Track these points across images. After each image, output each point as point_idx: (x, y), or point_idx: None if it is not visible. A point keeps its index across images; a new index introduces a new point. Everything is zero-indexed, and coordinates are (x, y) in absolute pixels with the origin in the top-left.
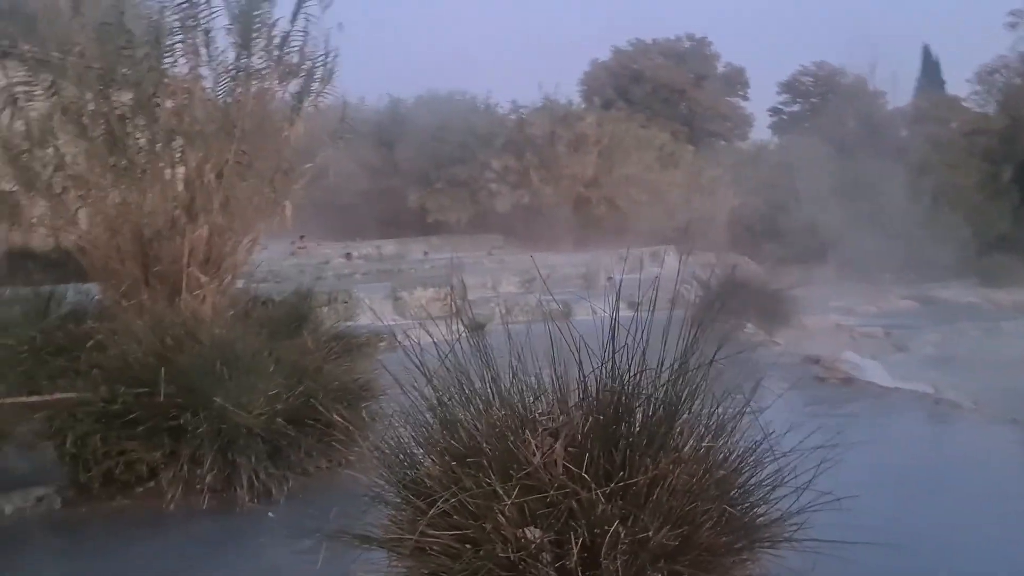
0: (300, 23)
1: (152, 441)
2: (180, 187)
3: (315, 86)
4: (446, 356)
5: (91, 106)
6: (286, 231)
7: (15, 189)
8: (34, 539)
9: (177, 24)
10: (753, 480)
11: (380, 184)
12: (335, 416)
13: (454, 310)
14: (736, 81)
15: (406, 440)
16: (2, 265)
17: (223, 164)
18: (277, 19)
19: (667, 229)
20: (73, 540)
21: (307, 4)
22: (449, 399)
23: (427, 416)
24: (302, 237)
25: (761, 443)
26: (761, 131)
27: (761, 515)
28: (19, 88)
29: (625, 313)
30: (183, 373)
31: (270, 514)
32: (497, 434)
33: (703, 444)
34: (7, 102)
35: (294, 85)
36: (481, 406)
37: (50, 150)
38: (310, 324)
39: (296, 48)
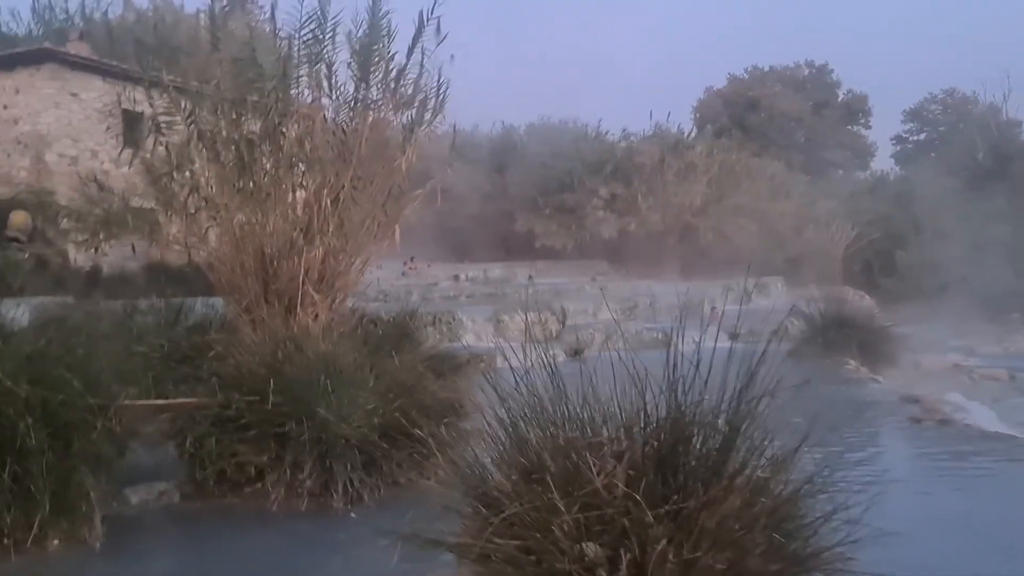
0: (415, 56)
1: (260, 445)
2: (300, 210)
3: (427, 116)
4: (521, 380)
5: (224, 133)
6: (399, 253)
7: (155, 208)
8: (155, 529)
9: (303, 59)
10: (805, 511)
11: (490, 209)
12: (423, 431)
13: (553, 335)
14: (858, 109)
15: (480, 455)
16: (143, 278)
17: (339, 189)
18: (394, 53)
19: (777, 260)
20: (188, 532)
21: (422, 39)
22: (523, 420)
23: (501, 434)
24: (412, 259)
25: (814, 476)
26: (883, 161)
27: (810, 546)
28: (163, 117)
29: (729, 344)
30: (290, 384)
31: (352, 514)
32: (562, 453)
33: (757, 474)
34: (152, 129)
35: (408, 115)
36: (550, 427)
37: (187, 173)
38: (412, 343)
39: (411, 80)
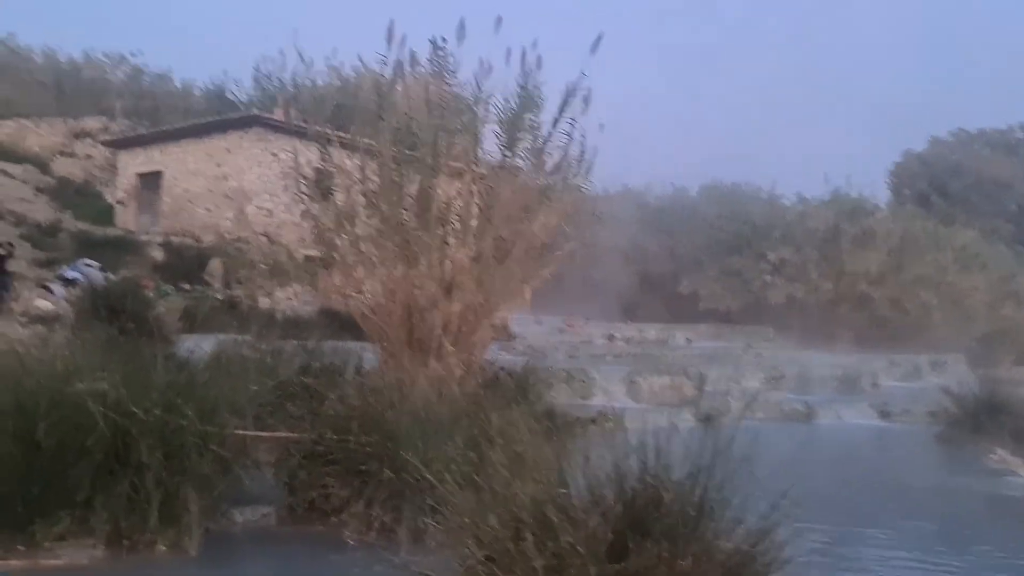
0: (562, 125)
1: (344, 480)
2: (446, 267)
3: (572, 181)
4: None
5: (384, 195)
6: (531, 310)
7: (318, 258)
8: (248, 546)
9: (458, 127)
10: None
11: (657, 269)
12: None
13: (688, 400)
14: None
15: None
16: (316, 322)
17: (481, 249)
18: (541, 122)
19: (964, 337)
20: (272, 551)
21: (568, 108)
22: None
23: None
24: (570, 316)
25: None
26: None
27: None
28: (333, 181)
29: (876, 422)
30: (383, 428)
31: (349, 542)
32: (539, 507)
33: (718, 541)
34: (324, 192)
35: (547, 179)
36: (546, 483)
37: (348, 231)
38: (529, 398)
39: (556, 147)
